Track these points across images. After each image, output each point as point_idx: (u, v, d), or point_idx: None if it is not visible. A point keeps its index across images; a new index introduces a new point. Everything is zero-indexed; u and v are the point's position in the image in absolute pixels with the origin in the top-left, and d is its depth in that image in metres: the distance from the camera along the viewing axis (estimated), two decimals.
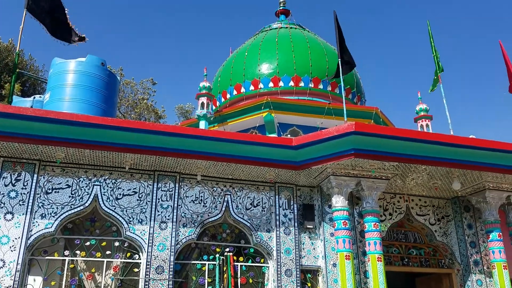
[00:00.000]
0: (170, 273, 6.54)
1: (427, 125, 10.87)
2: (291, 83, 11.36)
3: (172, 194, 7.04)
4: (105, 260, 6.58)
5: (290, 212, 7.43)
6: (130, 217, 6.76)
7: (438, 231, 7.99)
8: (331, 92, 11.50)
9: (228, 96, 12.14)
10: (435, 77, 9.01)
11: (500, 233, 7.39)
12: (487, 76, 35.64)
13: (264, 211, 7.35)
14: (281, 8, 14.12)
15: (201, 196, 7.19)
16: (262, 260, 7.21)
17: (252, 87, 11.63)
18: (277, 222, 7.29)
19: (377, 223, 6.89)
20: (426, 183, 7.52)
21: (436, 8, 35.77)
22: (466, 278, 7.72)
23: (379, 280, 6.55)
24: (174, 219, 6.89)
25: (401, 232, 8.20)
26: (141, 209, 6.85)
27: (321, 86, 11.50)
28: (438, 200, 8.15)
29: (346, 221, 6.83)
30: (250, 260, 7.15)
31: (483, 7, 34.82)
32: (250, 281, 7.00)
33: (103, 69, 8.14)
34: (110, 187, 6.86)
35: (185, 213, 7.00)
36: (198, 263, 6.90)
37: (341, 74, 8.11)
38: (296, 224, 7.35)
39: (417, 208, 8.03)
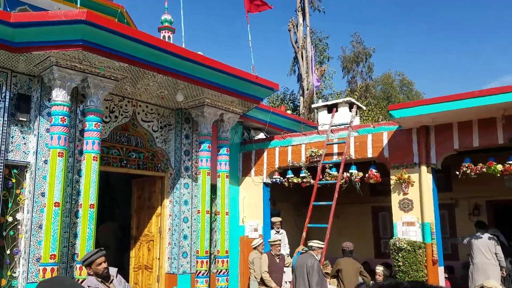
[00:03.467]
0: None
1: (169, 37, 11.05)
2: None
3: None
4: None
5: (0, 101, 6.41)
6: None
7: (159, 138, 8.51)
8: None
9: None
10: None
11: (210, 145, 8.43)
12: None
13: None
14: None
15: None
16: None
17: None
18: None
19: (98, 123, 6.74)
20: (154, 91, 7.75)
21: None
22: (176, 181, 8.61)
23: (91, 179, 6.54)
24: None
25: (125, 135, 8.33)
26: None
27: None
28: (163, 109, 8.59)
29: (65, 117, 6.39)
30: None
31: None
32: None
33: None
34: None
35: None
36: None
37: None
38: (6, 115, 6.43)
39: (143, 114, 8.27)
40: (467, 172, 7.07)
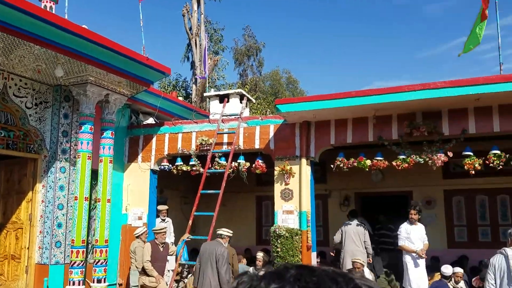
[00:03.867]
0: None
1: (51, 7, 10.06)
2: None
3: None
4: None
5: None
6: None
7: (33, 116, 7.73)
8: None
9: None
10: None
11: (92, 127, 7.89)
12: None
13: None
14: None
15: None
16: None
17: None
18: None
19: None
20: (30, 64, 7.00)
21: None
22: (51, 165, 7.92)
23: None
24: None
25: None
26: None
27: None
28: (40, 85, 7.81)
29: None
30: None
31: None
32: None
33: None
34: None
35: None
36: None
37: None
38: None
39: (16, 88, 7.43)
40: (340, 165, 7.72)
